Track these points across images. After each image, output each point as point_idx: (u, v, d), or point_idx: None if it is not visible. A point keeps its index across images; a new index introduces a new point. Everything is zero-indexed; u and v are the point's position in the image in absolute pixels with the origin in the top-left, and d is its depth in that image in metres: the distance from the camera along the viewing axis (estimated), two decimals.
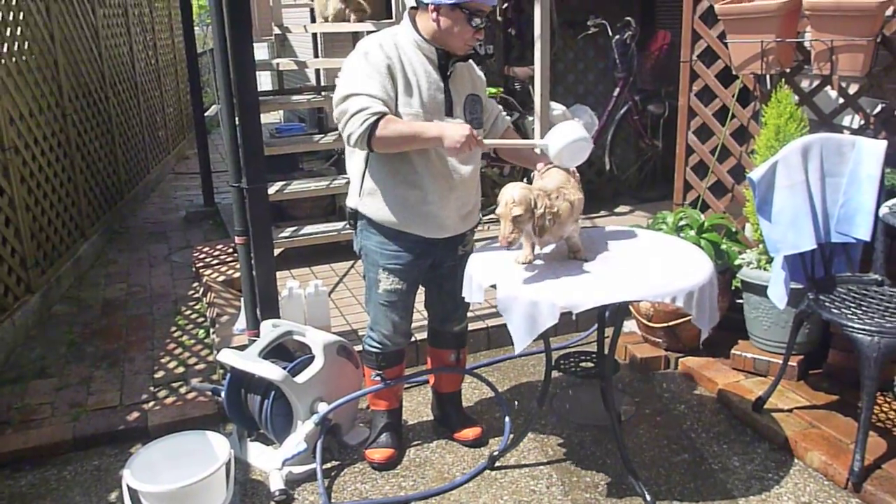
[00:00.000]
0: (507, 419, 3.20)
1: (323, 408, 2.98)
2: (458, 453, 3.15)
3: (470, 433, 3.21)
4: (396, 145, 2.64)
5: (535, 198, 2.45)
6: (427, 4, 2.63)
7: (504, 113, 3.09)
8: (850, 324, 2.72)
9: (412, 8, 2.73)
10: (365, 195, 2.81)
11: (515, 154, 3.05)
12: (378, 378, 3.05)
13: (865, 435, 2.72)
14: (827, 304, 2.88)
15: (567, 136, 2.59)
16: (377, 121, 2.56)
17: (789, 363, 3.28)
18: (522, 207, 2.42)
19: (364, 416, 3.35)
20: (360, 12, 5.42)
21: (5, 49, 4.59)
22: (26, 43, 4.96)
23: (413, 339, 3.78)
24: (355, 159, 2.82)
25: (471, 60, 2.88)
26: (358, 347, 3.64)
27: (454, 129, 2.57)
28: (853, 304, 2.85)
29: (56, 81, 5.45)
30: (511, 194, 2.45)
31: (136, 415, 3.45)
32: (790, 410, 3.21)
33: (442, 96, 2.73)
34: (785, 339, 3.23)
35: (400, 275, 2.87)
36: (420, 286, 3.03)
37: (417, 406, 3.51)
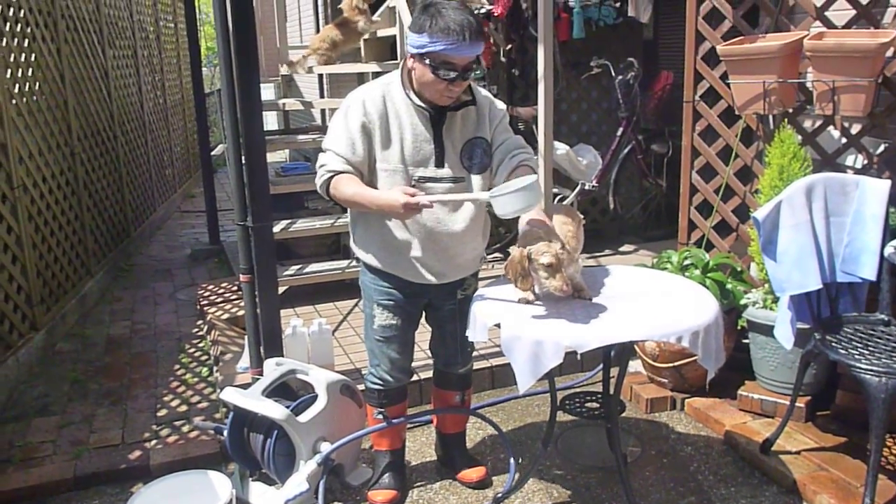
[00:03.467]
0: (511, 461, 3.17)
1: (326, 447, 2.95)
2: (461, 495, 3.12)
3: (474, 474, 3.17)
4: (350, 205, 2.72)
5: (562, 240, 2.46)
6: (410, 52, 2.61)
7: (518, 151, 2.78)
8: (857, 364, 2.70)
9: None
10: (356, 236, 2.86)
11: None
12: (380, 416, 3.03)
13: (875, 478, 2.68)
14: (834, 344, 2.86)
15: (510, 186, 2.43)
16: (331, 178, 2.64)
17: (797, 404, 3.25)
18: (565, 251, 2.43)
19: (367, 456, 3.32)
20: (323, 57, 5.58)
21: (17, 89, 4.65)
22: (37, 83, 5.03)
23: (416, 378, 3.77)
24: None
25: (488, 99, 2.81)
26: (361, 386, 3.63)
27: (391, 203, 2.51)
28: (860, 345, 2.83)
29: (66, 121, 5.51)
30: (550, 242, 2.42)
31: (137, 453, 3.43)
32: (798, 452, 3.18)
33: (430, 147, 2.68)
34: (792, 380, 3.20)
35: (393, 310, 2.87)
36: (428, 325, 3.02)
37: (421, 447, 3.49)
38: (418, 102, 2.66)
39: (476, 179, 2.77)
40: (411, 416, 3.30)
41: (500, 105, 2.85)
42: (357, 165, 2.66)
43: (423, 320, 3.03)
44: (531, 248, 2.42)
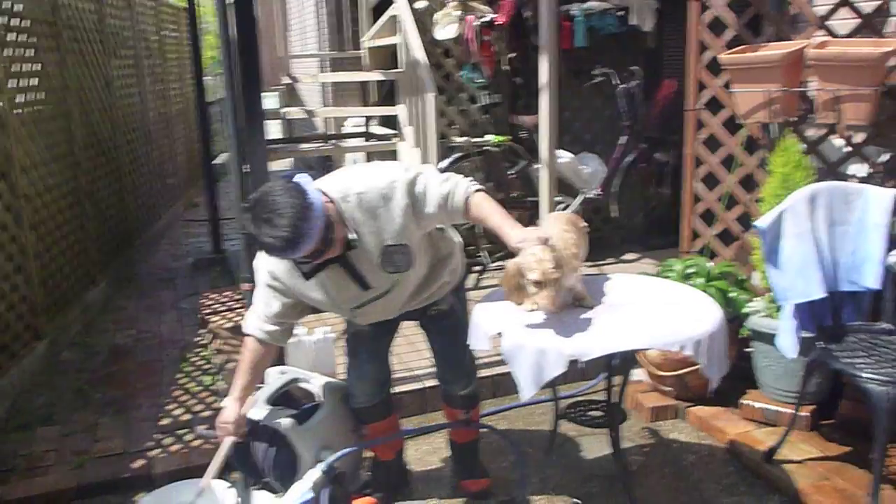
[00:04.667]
0: (522, 473, 3.16)
1: (329, 456, 2.94)
2: None
3: (473, 486, 3.17)
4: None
5: (557, 257, 2.39)
6: None
7: (445, 196, 2.49)
8: (860, 374, 2.69)
9: None
10: None
11: (485, 228, 2.68)
12: (366, 431, 3.05)
13: (879, 487, 2.68)
14: (837, 353, 2.86)
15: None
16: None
17: (800, 413, 3.24)
18: (557, 268, 2.36)
19: (370, 464, 3.32)
20: None
21: (20, 99, 4.67)
22: (41, 93, 5.04)
23: (421, 385, 3.77)
24: None
25: (354, 209, 2.47)
26: None
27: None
28: (864, 354, 2.83)
29: (69, 130, 5.52)
30: (542, 259, 2.33)
31: (140, 462, 3.43)
32: (802, 462, 3.17)
33: (351, 282, 2.57)
34: (795, 389, 3.20)
35: (359, 330, 2.90)
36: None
37: (424, 455, 3.48)
38: (305, 270, 2.49)
39: (411, 272, 2.61)
40: (407, 431, 3.32)
41: (398, 186, 2.47)
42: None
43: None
44: (523, 263, 2.38)
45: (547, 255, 2.34)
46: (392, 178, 2.48)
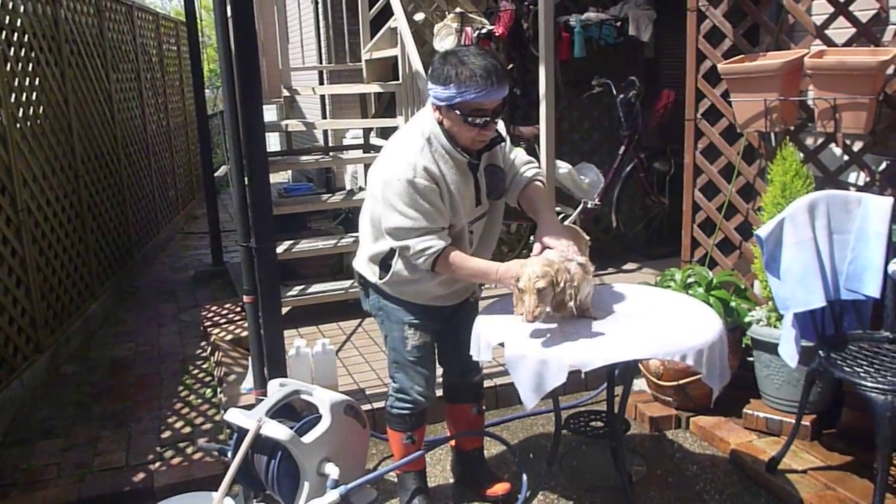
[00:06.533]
0: (524, 479, 3.14)
1: (331, 469, 2.93)
2: None
3: (500, 489, 3.16)
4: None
5: (555, 273, 2.41)
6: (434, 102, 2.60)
7: (526, 168, 2.86)
8: (862, 382, 2.69)
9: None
10: (387, 278, 2.82)
11: (528, 207, 2.90)
12: (409, 441, 3.00)
13: (882, 497, 2.67)
14: (839, 362, 2.85)
15: None
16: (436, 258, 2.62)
17: (802, 422, 3.23)
18: (545, 281, 2.38)
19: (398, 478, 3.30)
20: None
21: (21, 113, 4.68)
22: (42, 107, 5.06)
23: None
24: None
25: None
26: (366, 407, 3.62)
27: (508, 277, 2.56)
28: (865, 362, 2.82)
29: (69, 144, 5.53)
30: (533, 269, 2.40)
31: (141, 476, 3.42)
32: (804, 471, 3.16)
33: (473, 192, 2.71)
34: (797, 398, 3.19)
35: (424, 328, 2.88)
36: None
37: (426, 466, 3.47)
38: (458, 155, 2.63)
39: (498, 204, 2.87)
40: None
41: (500, 124, 2.81)
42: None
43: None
44: (523, 268, 2.44)
45: (539, 268, 2.39)
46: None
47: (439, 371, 3.11)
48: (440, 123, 2.62)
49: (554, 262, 2.45)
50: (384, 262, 2.79)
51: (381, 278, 2.82)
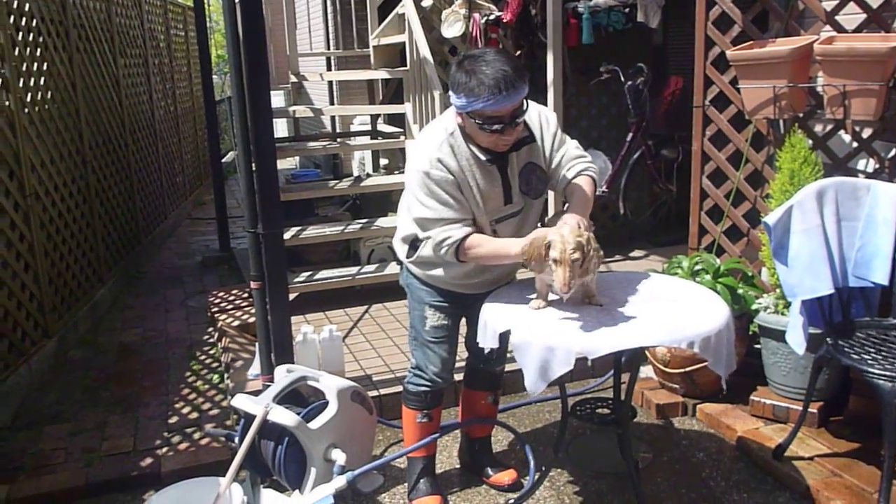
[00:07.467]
0: (531, 465, 3.15)
1: (337, 455, 2.94)
2: (473, 501, 3.11)
3: (506, 477, 3.18)
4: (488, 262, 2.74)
5: (585, 241, 2.40)
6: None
7: (574, 163, 2.79)
8: (870, 369, 2.68)
9: None
10: (417, 258, 2.84)
11: (568, 201, 2.88)
12: (425, 420, 3.01)
13: (889, 484, 2.66)
14: (846, 349, 2.85)
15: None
16: (457, 247, 2.61)
17: (809, 410, 3.23)
18: (579, 252, 2.36)
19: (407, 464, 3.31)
20: None
21: (29, 98, 4.69)
22: (49, 92, 5.07)
23: None
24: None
25: (540, 117, 2.75)
26: (373, 393, 3.63)
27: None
28: (873, 349, 2.82)
29: (77, 129, 5.54)
30: (566, 238, 2.37)
31: (149, 460, 3.44)
32: (811, 458, 3.16)
33: (499, 189, 2.68)
34: (804, 385, 3.19)
35: (445, 311, 2.90)
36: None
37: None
38: (480, 156, 2.62)
39: (536, 203, 2.82)
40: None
41: (552, 117, 2.79)
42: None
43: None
44: (552, 237, 2.38)
45: (571, 238, 2.36)
46: (554, 113, 2.85)
47: (463, 354, 3.11)
48: (461, 126, 2.63)
49: (583, 232, 2.44)
50: (413, 243, 2.83)
51: (408, 257, 2.87)
